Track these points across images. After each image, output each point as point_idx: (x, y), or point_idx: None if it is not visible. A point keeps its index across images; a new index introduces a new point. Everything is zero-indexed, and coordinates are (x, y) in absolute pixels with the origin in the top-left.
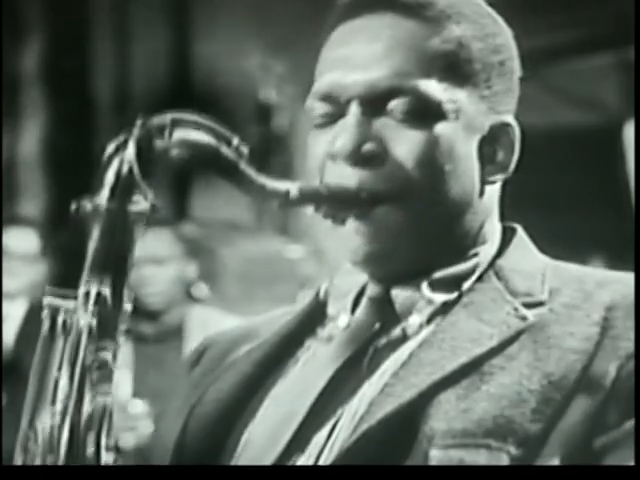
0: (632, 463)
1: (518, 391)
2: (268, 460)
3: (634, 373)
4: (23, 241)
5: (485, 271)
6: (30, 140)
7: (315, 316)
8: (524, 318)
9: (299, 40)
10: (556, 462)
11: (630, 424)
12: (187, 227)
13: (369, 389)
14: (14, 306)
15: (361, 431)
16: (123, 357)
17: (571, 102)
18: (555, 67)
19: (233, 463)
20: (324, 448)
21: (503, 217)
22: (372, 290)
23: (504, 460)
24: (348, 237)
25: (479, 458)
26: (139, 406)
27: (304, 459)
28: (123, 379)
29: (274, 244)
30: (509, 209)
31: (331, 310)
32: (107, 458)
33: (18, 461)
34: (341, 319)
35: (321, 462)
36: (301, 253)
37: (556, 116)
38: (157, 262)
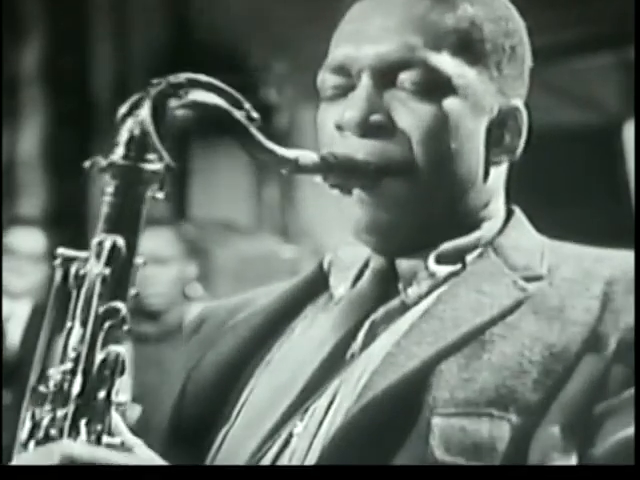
0: (631, 429)
1: (519, 361)
2: (265, 427)
3: (634, 345)
4: (28, 241)
5: (485, 249)
6: (30, 139)
7: (317, 286)
8: (523, 289)
9: (300, 40)
10: (557, 430)
11: (629, 392)
12: (186, 227)
13: (370, 359)
14: (19, 305)
15: (366, 400)
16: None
17: (571, 102)
18: (555, 66)
19: (229, 429)
20: (324, 417)
21: (509, 201)
22: (375, 262)
23: (505, 428)
24: (354, 207)
25: (481, 426)
26: (137, 411)
27: (301, 428)
28: (122, 380)
29: (270, 244)
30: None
31: (333, 281)
32: (120, 398)
33: (25, 410)
34: (341, 288)
35: (322, 431)
36: (297, 253)
37: (557, 116)
38: (159, 262)
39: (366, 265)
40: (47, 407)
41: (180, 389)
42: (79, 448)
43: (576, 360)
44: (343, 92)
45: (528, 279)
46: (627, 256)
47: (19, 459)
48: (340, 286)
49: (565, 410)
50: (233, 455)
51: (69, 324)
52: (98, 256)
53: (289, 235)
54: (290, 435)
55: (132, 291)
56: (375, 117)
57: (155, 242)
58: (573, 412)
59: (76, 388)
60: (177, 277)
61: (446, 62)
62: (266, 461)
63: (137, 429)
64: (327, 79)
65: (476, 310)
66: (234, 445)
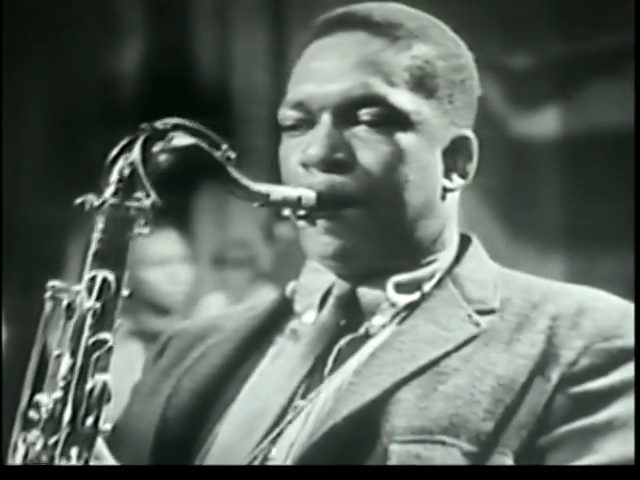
0: (574, 463)
1: (471, 392)
2: (243, 451)
3: (577, 387)
4: None
5: (443, 278)
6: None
7: (282, 312)
8: (477, 324)
9: None
10: (507, 459)
11: (569, 427)
12: None
13: (334, 386)
14: None
15: (327, 427)
16: (131, 358)
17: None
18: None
19: (207, 452)
20: (294, 443)
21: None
22: (339, 289)
23: (457, 455)
24: (319, 235)
25: (435, 453)
26: None
27: (275, 452)
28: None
29: None
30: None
31: (298, 307)
32: (106, 427)
33: (17, 434)
34: (308, 315)
35: (291, 457)
36: None
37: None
38: (179, 261)
39: (329, 292)
40: (37, 433)
41: (160, 414)
42: None
43: (522, 392)
44: (304, 127)
45: (482, 312)
46: (572, 292)
47: None
48: (307, 312)
49: (513, 440)
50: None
51: (57, 352)
52: (89, 291)
53: None
54: (265, 459)
55: (118, 322)
56: (337, 155)
57: (171, 242)
58: (520, 442)
59: (67, 416)
60: (193, 276)
61: (404, 99)
62: None
63: (119, 451)
64: (287, 115)
65: (433, 343)
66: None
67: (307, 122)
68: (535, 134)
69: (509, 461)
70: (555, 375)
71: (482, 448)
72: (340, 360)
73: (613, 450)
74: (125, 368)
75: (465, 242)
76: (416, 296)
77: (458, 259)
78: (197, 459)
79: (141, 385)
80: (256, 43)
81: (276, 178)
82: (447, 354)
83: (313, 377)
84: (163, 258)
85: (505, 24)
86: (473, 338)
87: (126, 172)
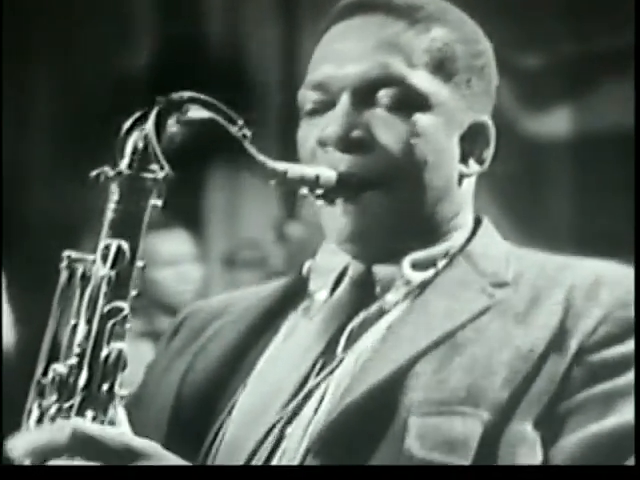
0: (590, 428)
1: (489, 363)
2: (259, 430)
3: (596, 354)
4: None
5: (455, 256)
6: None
7: (297, 291)
8: (491, 295)
9: None
10: (524, 426)
11: (588, 393)
12: None
13: (350, 364)
14: None
15: (345, 404)
16: (142, 358)
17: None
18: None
19: (224, 432)
20: (311, 421)
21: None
22: (354, 269)
23: (477, 424)
24: (336, 216)
25: (454, 424)
26: None
27: (291, 429)
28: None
29: None
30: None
31: (312, 286)
32: (122, 392)
33: (32, 401)
34: (321, 293)
35: (308, 434)
36: None
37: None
38: (190, 261)
39: (344, 272)
40: (53, 398)
41: (176, 392)
42: (89, 424)
43: (541, 361)
44: (323, 108)
45: (495, 285)
46: (588, 264)
47: (29, 434)
48: (320, 291)
49: (532, 408)
50: (230, 457)
51: (73, 321)
52: (104, 259)
53: None
54: (282, 437)
55: (133, 292)
56: (355, 133)
57: (180, 242)
58: (539, 410)
59: (82, 381)
60: (201, 275)
61: (423, 80)
62: (259, 462)
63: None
64: (307, 96)
65: (447, 315)
66: (231, 447)
67: (326, 103)
68: (546, 133)
69: (529, 428)
70: (574, 344)
71: (501, 417)
72: (354, 338)
73: (633, 411)
74: (136, 368)
75: (477, 223)
76: (430, 273)
77: (470, 239)
78: (212, 438)
79: (155, 365)
80: (268, 37)
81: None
82: (462, 325)
83: (327, 355)
84: (173, 258)
85: (516, 23)
86: (488, 309)
87: (140, 144)
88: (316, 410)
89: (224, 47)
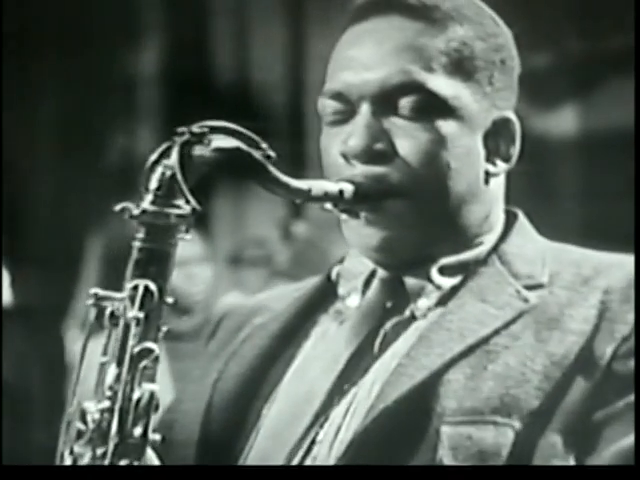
0: (629, 438)
1: (522, 371)
2: (291, 437)
3: (633, 360)
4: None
5: (489, 255)
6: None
7: (326, 295)
8: (526, 300)
9: None
10: (558, 436)
11: (625, 401)
12: None
13: (382, 369)
14: None
15: (378, 410)
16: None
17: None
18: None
19: (255, 439)
20: (341, 426)
21: (508, 203)
22: (383, 272)
23: (509, 434)
24: (360, 227)
25: (486, 434)
26: None
27: (322, 435)
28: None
29: None
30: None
31: (342, 290)
32: (155, 437)
33: (63, 444)
34: (352, 298)
35: (338, 440)
36: None
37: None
38: (198, 261)
39: (372, 274)
40: (84, 443)
41: (207, 401)
42: None
43: (574, 368)
44: (344, 117)
45: (530, 287)
46: (624, 262)
47: None
48: (350, 295)
49: (566, 417)
50: (263, 463)
51: (103, 359)
52: (132, 300)
53: None
54: (313, 442)
55: (163, 330)
56: (378, 145)
57: (189, 243)
58: (573, 419)
59: (114, 426)
60: (213, 275)
61: (442, 84)
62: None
63: (167, 440)
64: (327, 105)
65: (481, 321)
66: (262, 454)
67: (347, 112)
68: (553, 132)
69: (562, 437)
70: (609, 350)
71: (534, 426)
72: (386, 343)
73: None
74: None
75: (511, 219)
76: (461, 278)
77: (504, 236)
78: (244, 445)
79: (194, 368)
80: (275, 40)
81: (296, 174)
82: (496, 332)
83: (359, 360)
84: (182, 259)
85: (523, 22)
86: (522, 314)
87: (165, 179)
88: (345, 415)
89: (231, 71)
